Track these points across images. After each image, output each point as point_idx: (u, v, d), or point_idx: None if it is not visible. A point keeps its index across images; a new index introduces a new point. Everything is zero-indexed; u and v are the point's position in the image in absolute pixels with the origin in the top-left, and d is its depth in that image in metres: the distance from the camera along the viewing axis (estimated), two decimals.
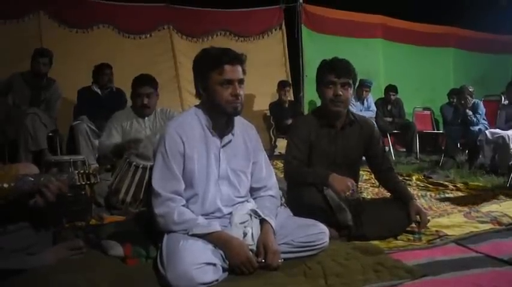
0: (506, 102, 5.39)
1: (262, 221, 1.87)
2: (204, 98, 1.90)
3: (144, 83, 3.17)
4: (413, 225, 2.36)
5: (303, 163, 2.34)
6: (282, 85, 6.11)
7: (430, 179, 4.24)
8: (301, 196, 2.20)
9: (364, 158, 2.56)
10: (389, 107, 6.49)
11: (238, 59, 1.85)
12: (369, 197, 3.46)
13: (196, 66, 1.92)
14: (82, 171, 1.71)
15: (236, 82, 1.84)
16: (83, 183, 1.72)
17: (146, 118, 3.29)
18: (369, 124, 2.52)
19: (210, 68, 1.83)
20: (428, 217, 2.44)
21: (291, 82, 6.56)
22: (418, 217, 2.31)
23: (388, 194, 2.73)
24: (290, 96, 6.38)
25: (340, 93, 2.27)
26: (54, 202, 1.63)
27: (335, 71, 2.28)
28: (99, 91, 4.61)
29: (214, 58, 1.84)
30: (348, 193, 2.11)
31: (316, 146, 2.36)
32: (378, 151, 2.50)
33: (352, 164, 2.45)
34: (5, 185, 1.55)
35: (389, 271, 1.73)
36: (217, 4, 6.43)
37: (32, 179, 1.60)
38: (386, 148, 5.55)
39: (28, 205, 1.60)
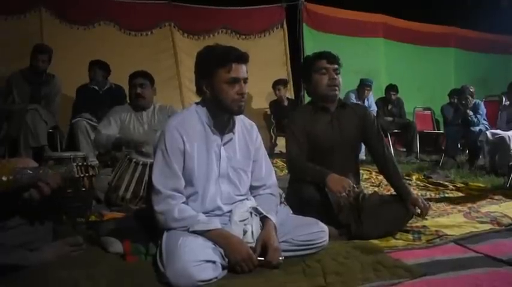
0: (507, 103, 5.39)
1: (264, 219, 1.87)
2: (207, 95, 1.88)
3: (137, 75, 3.33)
4: (416, 222, 2.35)
5: (303, 152, 2.35)
6: (275, 83, 6.06)
7: (430, 179, 4.24)
8: (301, 191, 2.21)
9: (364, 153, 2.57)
10: (389, 107, 6.48)
11: (244, 57, 1.85)
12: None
13: (200, 64, 1.89)
14: (80, 164, 1.71)
15: (242, 81, 1.84)
16: (82, 175, 1.72)
17: (144, 113, 3.33)
18: (361, 106, 2.59)
19: (217, 65, 1.81)
20: (429, 203, 2.41)
21: (291, 81, 6.54)
22: (418, 210, 2.29)
23: (387, 194, 2.73)
24: (290, 94, 6.36)
25: (335, 77, 2.35)
26: (50, 196, 1.62)
27: (326, 58, 2.37)
28: (97, 87, 4.61)
29: (221, 56, 1.82)
30: (343, 194, 2.10)
31: (313, 132, 2.38)
32: (373, 132, 2.48)
33: (351, 150, 2.47)
34: (4, 179, 1.55)
35: (388, 270, 1.73)
36: (218, 2, 6.43)
37: (31, 172, 1.60)
38: None
39: (23, 198, 1.60)
